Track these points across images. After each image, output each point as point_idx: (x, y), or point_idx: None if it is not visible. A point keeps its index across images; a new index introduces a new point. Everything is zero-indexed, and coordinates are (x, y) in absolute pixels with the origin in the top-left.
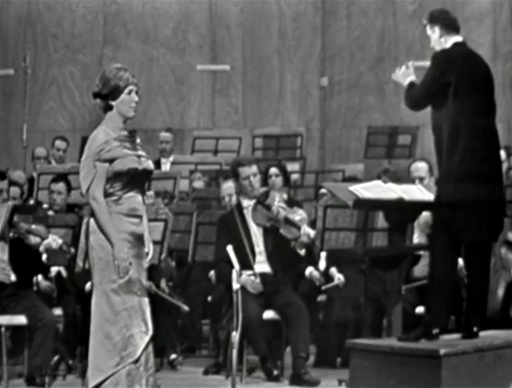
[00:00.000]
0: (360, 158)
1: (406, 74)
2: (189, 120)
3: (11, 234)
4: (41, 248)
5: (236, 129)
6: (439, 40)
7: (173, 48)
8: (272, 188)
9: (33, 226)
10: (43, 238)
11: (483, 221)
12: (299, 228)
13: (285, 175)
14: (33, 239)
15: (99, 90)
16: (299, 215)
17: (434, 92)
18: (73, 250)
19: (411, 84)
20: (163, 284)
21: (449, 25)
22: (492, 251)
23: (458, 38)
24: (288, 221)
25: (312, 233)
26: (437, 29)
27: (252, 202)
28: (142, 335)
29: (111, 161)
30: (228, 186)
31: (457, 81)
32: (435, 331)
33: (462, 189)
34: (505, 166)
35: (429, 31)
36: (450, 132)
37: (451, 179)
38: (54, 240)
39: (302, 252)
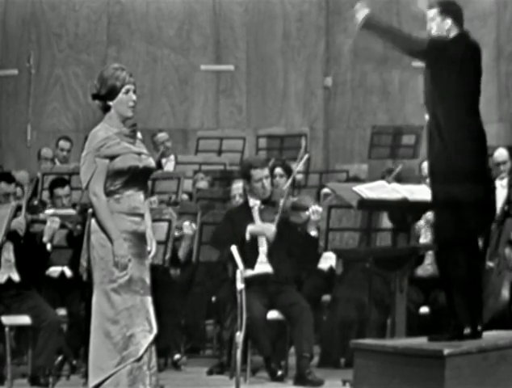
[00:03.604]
0: (364, 158)
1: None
2: (193, 121)
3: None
4: (44, 238)
5: (240, 129)
6: (447, 31)
7: (177, 48)
8: (276, 188)
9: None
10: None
11: (474, 221)
12: (307, 209)
13: (289, 174)
14: (37, 226)
15: (97, 90)
16: (303, 199)
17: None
18: (79, 227)
19: (368, 17)
20: (187, 223)
21: (459, 20)
22: (495, 252)
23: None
24: (295, 207)
25: (320, 209)
26: (449, 21)
27: (258, 202)
28: (145, 334)
29: (111, 157)
30: (238, 186)
31: (444, 78)
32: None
33: (454, 189)
34: (508, 166)
35: (438, 17)
36: (440, 131)
37: (443, 179)
38: (52, 221)
39: (315, 233)
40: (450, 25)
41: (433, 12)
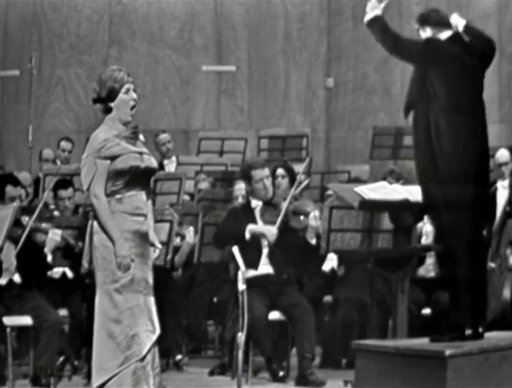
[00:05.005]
0: (366, 159)
1: (373, 7)
2: (194, 121)
3: (18, 233)
4: (46, 249)
5: (241, 130)
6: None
7: (178, 48)
8: (278, 189)
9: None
10: (47, 234)
11: (471, 223)
12: (307, 215)
13: (291, 175)
14: (39, 236)
15: (97, 94)
16: (306, 204)
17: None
18: (80, 243)
19: (375, 18)
20: (192, 232)
21: (439, 22)
22: (497, 253)
23: (450, 33)
24: (296, 212)
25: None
26: (428, 29)
27: (260, 203)
28: (148, 334)
29: (111, 158)
30: (240, 187)
31: (440, 78)
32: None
33: (447, 191)
34: (509, 167)
35: (422, 34)
36: (433, 132)
37: (437, 180)
38: (54, 234)
39: (313, 241)
40: (431, 32)
41: (419, 30)
